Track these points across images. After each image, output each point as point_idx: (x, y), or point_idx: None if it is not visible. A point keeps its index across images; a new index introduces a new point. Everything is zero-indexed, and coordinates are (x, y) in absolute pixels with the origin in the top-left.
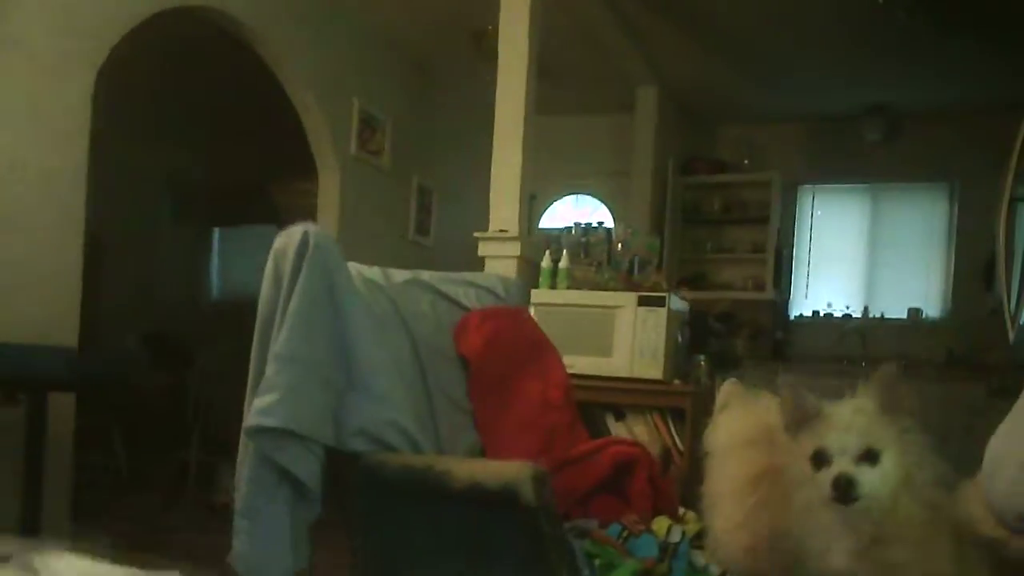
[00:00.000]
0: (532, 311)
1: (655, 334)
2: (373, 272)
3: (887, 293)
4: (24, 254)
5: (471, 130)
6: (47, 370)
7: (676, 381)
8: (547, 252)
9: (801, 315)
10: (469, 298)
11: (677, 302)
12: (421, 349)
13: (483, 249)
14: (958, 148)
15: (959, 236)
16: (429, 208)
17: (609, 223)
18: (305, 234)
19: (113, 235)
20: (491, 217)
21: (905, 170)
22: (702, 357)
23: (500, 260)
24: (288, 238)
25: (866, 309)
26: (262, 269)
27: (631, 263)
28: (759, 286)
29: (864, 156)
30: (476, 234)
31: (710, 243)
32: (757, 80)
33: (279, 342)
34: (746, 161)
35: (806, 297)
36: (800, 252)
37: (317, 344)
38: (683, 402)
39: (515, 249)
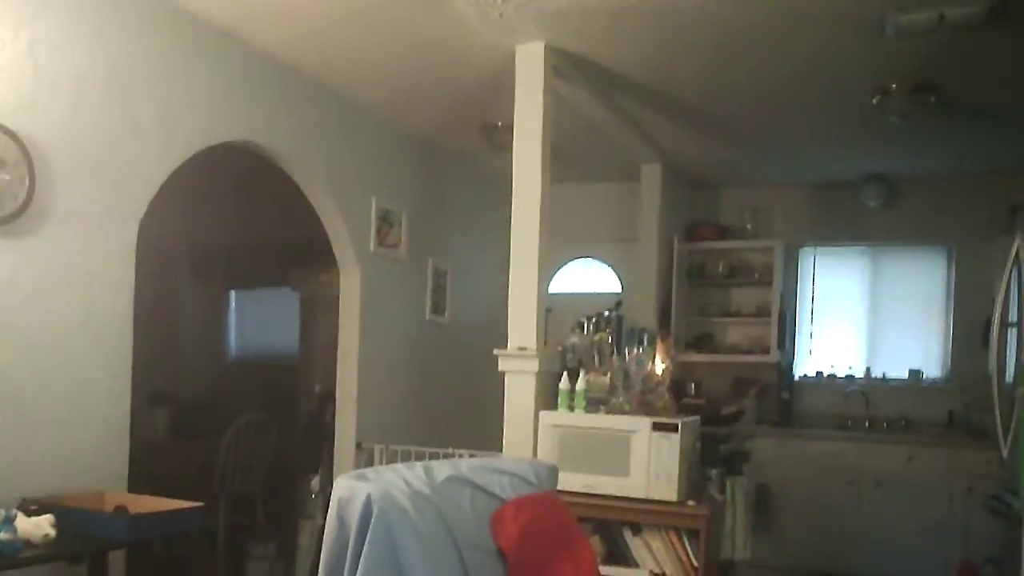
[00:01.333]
0: (552, 432)
1: (669, 458)
2: (418, 476)
3: (888, 354)
4: (77, 408)
5: (481, 211)
6: (108, 535)
7: (690, 502)
8: (564, 374)
9: (805, 376)
10: (504, 489)
11: (689, 424)
12: (464, 550)
13: (503, 364)
14: (955, 213)
15: (957, 298)
16: (444, 288)
17: (617, 287)
18: (368, 499)
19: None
20: (510, 334)
21: (904, 233)
22: (714, 472)
23: (521, 376)
24: (350, 492)
25: (868, 370)
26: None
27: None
28: (764, 348)
29: (864, 220)
30: (496, 351)
31: (715, 305)
32: (758, 152)
33: None
34: (749, 225)
35: (809, 357)
36: (803, 313)
37: None
38: (697, 523)
39: (534, 366)
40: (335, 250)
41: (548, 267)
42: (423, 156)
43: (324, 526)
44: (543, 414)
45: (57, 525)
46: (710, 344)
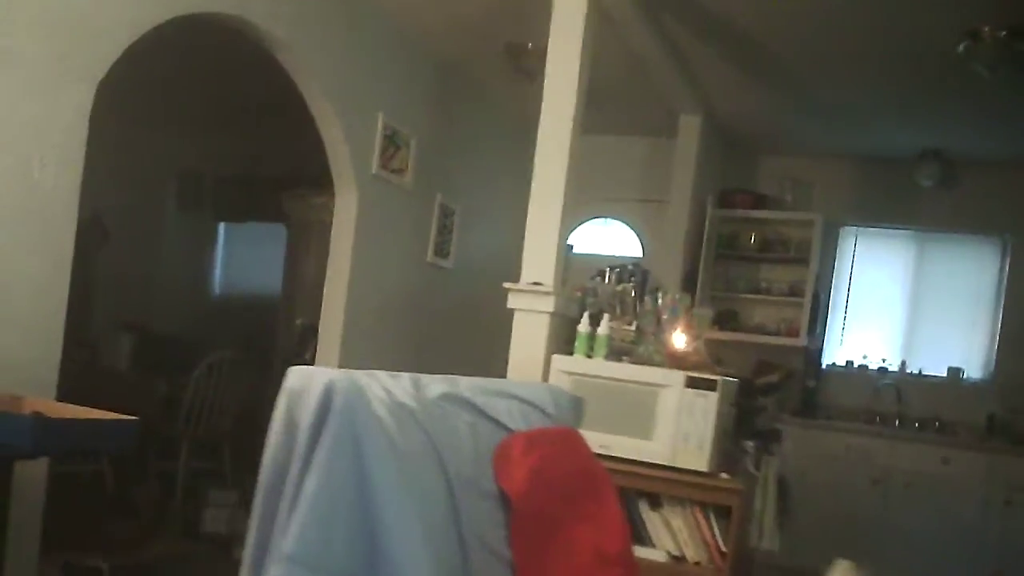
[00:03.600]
0: (564, 380)
1: (703, 421)
2: (403, 387)
3: (927, 348)
4: (2, 283)
5: (499, 147)
6: (10, 441)
7: (723, 475)
8: (585, 314)
9: (834, 364)
10: (513, 417)
11: (728, 384)
12: (456, 487)
13: (513, 301)
14: (1014, 202)
15: (1008, 294)
16: (450, 229)
17: (638, 252)
18: (328, 390)
19: (115, 222)
20: (524, 267)
21: (956, 219)
22: (751, 444)
23: (531, 315)
24: (306, 381)
25: (903, 364)
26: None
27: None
28: (793, 331)
29: (914, 201)
30: (506, 285)
31: (743, 281)
32: (807, 112)
33: (289, 539)
34: (788, 197)
35: (840, 345)
36: (837, 297)
37: (336, 549)
38: (730, 499)
39: (549, 304)
40: (332, 166)
41: (573, 198)
42: (439, 76)
43: None
44: (556, 358)
45: None
46: (734, 322)
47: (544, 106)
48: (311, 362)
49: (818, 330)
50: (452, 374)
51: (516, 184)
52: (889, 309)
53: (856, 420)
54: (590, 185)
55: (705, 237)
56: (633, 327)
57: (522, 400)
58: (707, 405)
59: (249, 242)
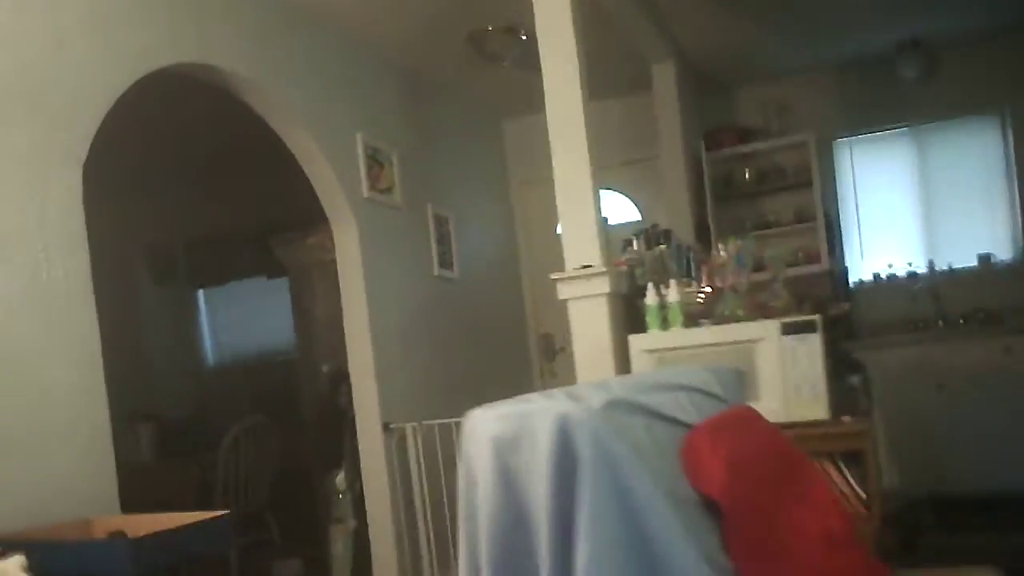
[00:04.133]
0: (647, 361)
1: (810, 367)
2: (564, 404)
3: (951, 243)
4: (36, 416)
5: (473, 145)
6: (104, 570)
7: (845, 418)
8: (650, 285)
9: (861, 281)
10: (685, 409)
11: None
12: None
13: (564, 291)
14: (1004, 75)
15: (1019, 168)
16: (448, 238)
17: (635, 215)
18: (563, 430)
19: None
20: (567, 253)
21: (949, 106)
22: (857, 378)
23: (588, 301)
24: (515, 424)
25: (931, 264)
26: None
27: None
28: (812, 258)
29: (902, 97)
30: (553, 276)
31: (749, 219)
32: (778, 32)
33: None
34: (774, 124)
35: (863, 261)
36: (847, 213)
37: None
38: (859, 443)
39: (604, 285)
40: (323, 201)
41: (599, 174)
42: (406, 84)
43: (356, 529)
44: (633, 339)
45: (32, 567)
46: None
47: (547, 79)
48: (348, 407)
49: (837, 251)
50: (485, 383)
51: (498, 179)
52: (902, 213)
53: (900, 331)
54: None
55: (707, 182)
56: (693, 288)
57: (688, 388)
58: (810, 348)
59: (235, 302)
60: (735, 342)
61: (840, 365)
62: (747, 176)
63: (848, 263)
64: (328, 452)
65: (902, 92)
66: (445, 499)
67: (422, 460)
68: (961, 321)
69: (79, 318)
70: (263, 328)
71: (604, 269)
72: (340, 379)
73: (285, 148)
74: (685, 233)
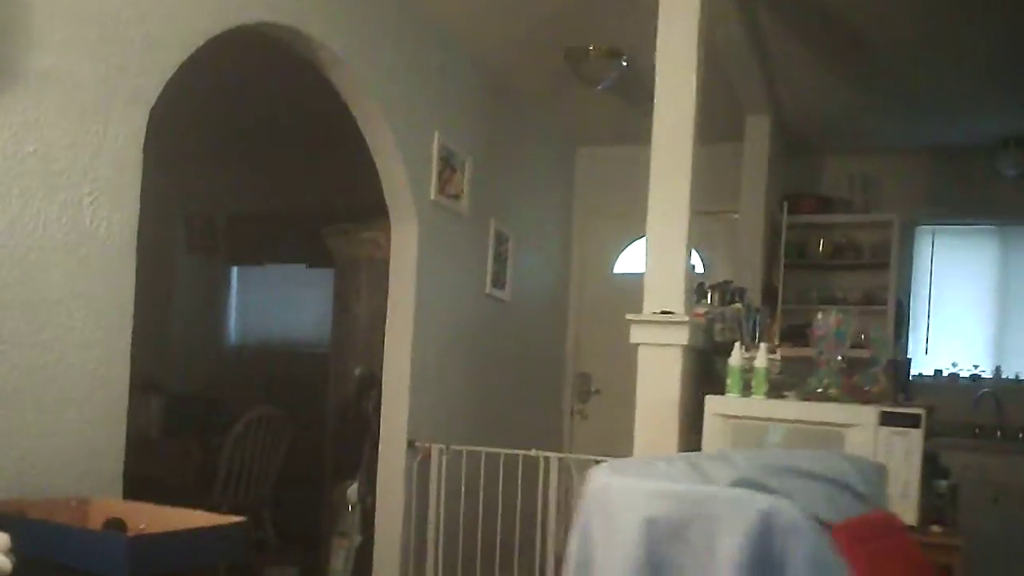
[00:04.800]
0: (720, 428)
1: (906, 466)
2: (687, 477)
3: (1021, 351)
4: (50, 373)
5: (545, 166)
6: (94, 568)
7: (935, 528)
8: (737, 346)
9: (921, 375)
10: (822, 505)
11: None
12: None
13: (638, 335)
14: None
15: None
16: (505, 257)
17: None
18: (766, 526)
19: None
20: (647, 296)
21: None
22: (943, 484)
23: (662, 350)
24: (686, 513)
25: (998, 369)
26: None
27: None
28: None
29: (995, 193)
30: (629, 316)
31: (815, 291)
32: (881, 105)
33: None
34: (857, 198)
35: (926, 354)
36: (918, 303)
37: None
38: (948, 557)
39: (682, 336)
40: (388, 196)
41: (695, 217)
42: (490, 91)
43: (360, 545)
44: (710, 400)
45: (16, 549)
46: (808, 337)
47: (659, 113)
48: (373, 416)
49: (902, 339)
50: (516, 415)
51: (561, 206)
52: (975, 312)
53: (956, 436)
54: (638, 199)
55: (783, 246)
56: (777, 355)
57: (823, 479)
58: (910, 445)
59: (269, 285)
60: (824, 423)
61: (927, 467)
62: (821, 247)
63: (911, 354)
64: (343, 460)
65: (996, 188)
66: (461, 529)
67: (443, 484)
68: (1021, 435)
69: (116, 276)
70: (294, 317)
71: (686, 319)
72: (370, 385)
73: (351, 135)
74: (752, 295)
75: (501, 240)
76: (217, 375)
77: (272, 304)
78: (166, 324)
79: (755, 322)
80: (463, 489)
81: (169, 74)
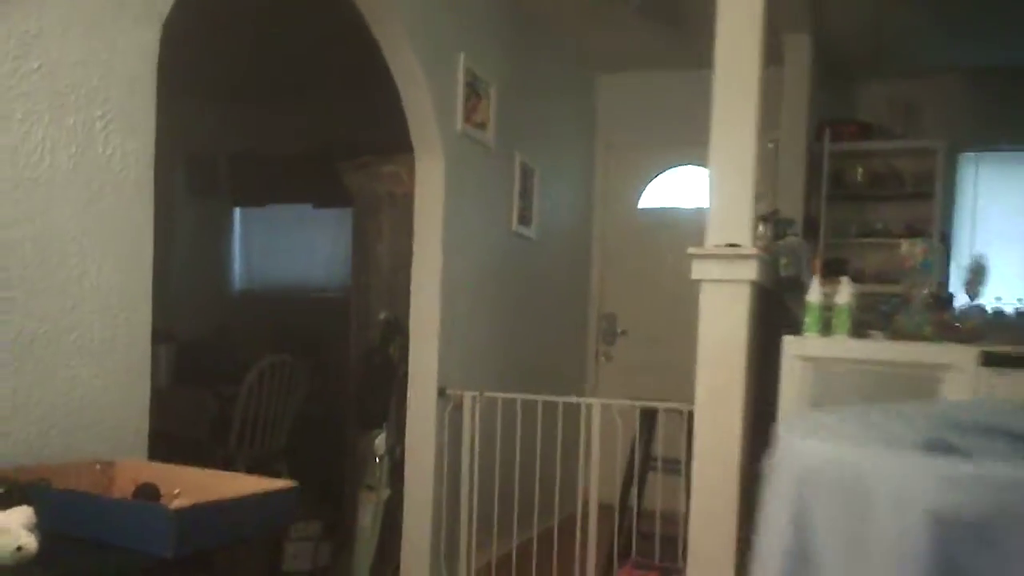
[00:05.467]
0: (799, 369)
1: None
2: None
3: None
4: (67, 320)
5: (571, 95)
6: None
7: None
8: (814, 280)
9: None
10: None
11: None
12: None
13: (699, 270)
14: None
15: None
16: (531, 193)
17: None
18: None
19: None
20: (710, 228)
21: None
22: None
23: (729, 286)
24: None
25: None
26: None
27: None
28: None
29: None
30: (691, 250)
31: (854, 224)
32: (924, 22)
33: None
34: (898, 125)
35: None
36: (961, 234)
37: None
38: None
39: (750, 271)
40: (412, 127)
41: (763, 142)
42: (515, 10)
43: (388, 498)
44: (788, 341)
45: (40, 525)
46: (844, 271)
47: (720, 29)
48: (400, 363)
49: (946, 274)
50: (542, 357)
51: (584, 137)
52: (1021, 243)
53: None
54: (668, 127)
55: (825, 175)
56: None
57: (1014, 435)
58: (1015, 388)
59: (275, 226)
60: (916, 364)
61: None
62: (859, 176)
63: (952, 289)
64: (369, 409)
65: None
66: (497, 479)
67: (477, 434)
68: None
69: (133, 211)
70: (304, 259)
71: (753, 252)
72: (395, 330)
73: (365, 68)
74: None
75: (527, 174)
76: (226, 321)
77: (280, 246)
78: (168, 268)
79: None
80: (499, 439)
81: None
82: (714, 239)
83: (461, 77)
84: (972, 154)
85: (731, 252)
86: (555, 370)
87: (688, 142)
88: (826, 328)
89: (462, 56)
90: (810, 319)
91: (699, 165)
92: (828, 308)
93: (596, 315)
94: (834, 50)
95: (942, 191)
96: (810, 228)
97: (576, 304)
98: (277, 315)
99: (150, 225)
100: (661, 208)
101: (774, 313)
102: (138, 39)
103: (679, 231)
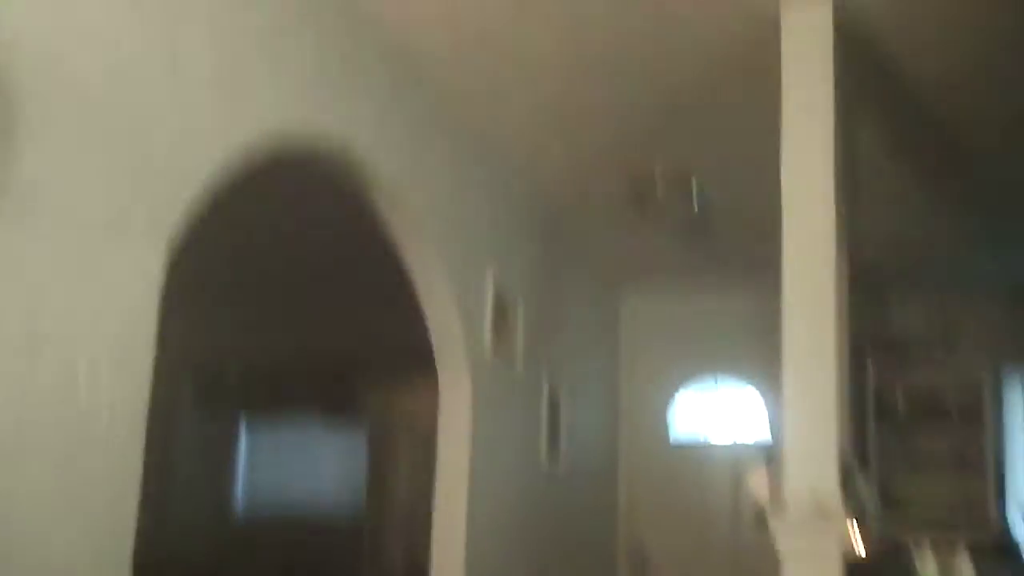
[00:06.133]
0: None
1: None
2: None
3: None
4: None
5: (595, 311)
6: None
7: None
8: (929, 556)
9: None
10: None
11: None
12: None
13: (786, 540)
14: None
15: None
16: (558, 421)
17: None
18: None
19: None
20: (789, 484)
21: None
22: None
23: (818, 561)
24: None
25: None
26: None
27: None
28: (975, 510)
29: None
30: (771, 516)
31: (898, 454)
32: (957, 235)
33: None
34: (936, 344)
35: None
36: (1014, 461)
37: None
38: None
39: (839, 539)
40: (437, 348)
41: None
42: (545, 223)
43: None
44: None
45: None
46: (888, 503)
47: (787, 243)
48: None
49: (1000, 507)
50: None
51: (608, 355)
52: None
53: None
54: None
55: (872, 400)
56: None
57: None
58: None
59: (282, 445)
60: None
61: None
62: (900, 401)
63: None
64: None
65: None
66: None
67: None
68: None
69: (114, 478)
70: (313, 482)
71: (842, 514)
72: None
73: (378, 279)
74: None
75: (554, 401)
76: (227, 554)
77: (288, 467)
78: (166, 489)
79: None
80: None
81: (194, 200)
82: (795, 497)
83: (490, 294)
84: (1018, 375)
85: (815, 522)
86: None
87: (714, 358)
88: None
89: (491, 272)
90: None
91: (726, 382)
92: None
93: (623, 547)
94: (867, 265)
95: (992, 416)
96: (849, 468)
97: (603, 534)
98: (282, 548)
99: (135, 495)
100: (693, 443)
101: None
102: (138, 264)
103: (714, 465)
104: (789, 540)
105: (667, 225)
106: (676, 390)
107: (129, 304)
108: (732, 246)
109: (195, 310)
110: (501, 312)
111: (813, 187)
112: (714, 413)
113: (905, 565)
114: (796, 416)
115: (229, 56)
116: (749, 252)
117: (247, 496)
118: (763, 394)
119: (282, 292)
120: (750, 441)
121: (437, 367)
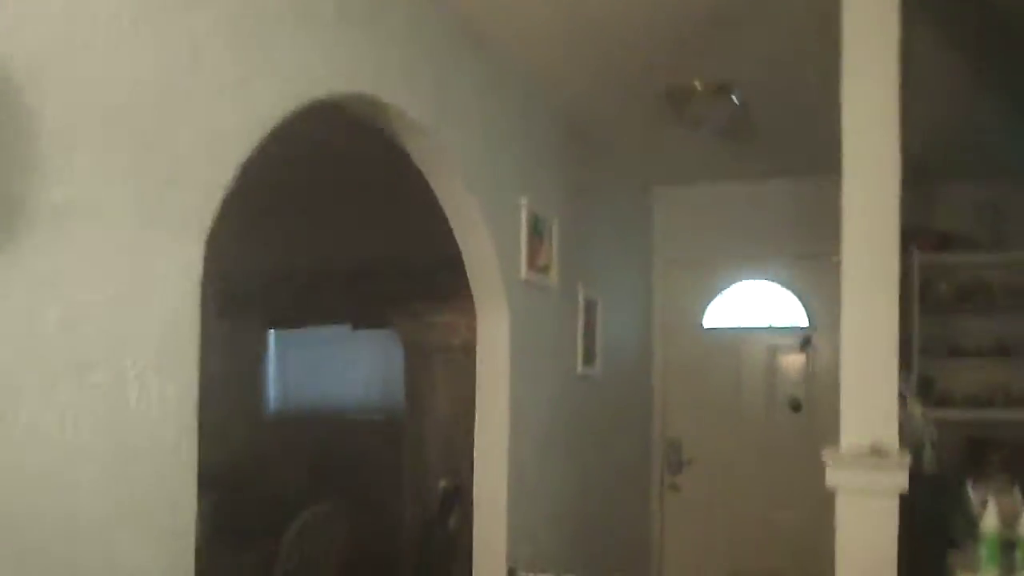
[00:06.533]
0: None
1: None
2: None
3: None
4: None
5: (627, 214)
6: None
7: None
8: (991, 502)
9: None
10: None
11: None
12: None
13: (836, 477)
14: None
15: None
16: (594, 328)
17: (802, 320)
18: None
19: None
20: (845, 424)
21: None
22: None
23: (872, 500)
24: None
25: None
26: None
27: None
28: (1014, 399)
29: None
30: (825, 455)
31: (941, 340)
32: (1013, 127)
33: None
34: (984, 234)
35: None
36: None
37: None
38: None
39: (900, 481)
40: (473, 278)
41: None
42: (575, 139)
43: None
44: None
45: None
46: (932, 392)
47: (848, 164)
48: (456, 530)
49: None
50: (610, 498)
51: (642, 256)
52: None
53: None
54: (724, 243)
55: (915, 289)
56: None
57: None
58: None
59: (311, 348)
60: None
61: None
62: (943, 289)
63: None
64: None
65: None
66: None
67: None
68: None
69: (169, 480)
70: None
71: (899, 457)
72: (454, 498)
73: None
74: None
75: (590, 308)
76: (262, 450)
77: (318, 368)
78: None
79: None
80: None
81: (223, 192)
82: (851, 436)
83: (524, 221)
84: None
85: (872, 460)
86: (621, 506)
87: (750, 256)
88: (1009, 569)
89: (525, 200)
90: (987, 554)
91: (763, 280)
92: (1011, 544)
93: (659, 441)
94: (912, 151)
95: None
96: (903, 353)
97: (639, 431)
98: (316, 443)
99: (192, 496)
100: (727, 328)
101: (922, 521)
102: (175, 260)
103: (749, 350)
104: (844, 476)
105: (705, 125)
106: (710, 283)
107: (172, 304)
108: (770, 142)
109: (225, 225)
110: (536, 234)
111: (876, 80)
112: (749, 305)
113: (959, 498)
114: (853, 363)
115: (248, 30)
116: (790, 147)
117: (279, 397)
118: (796, 288)
119: (315, 205)
120: (785, 326)
121: (472, 292)
